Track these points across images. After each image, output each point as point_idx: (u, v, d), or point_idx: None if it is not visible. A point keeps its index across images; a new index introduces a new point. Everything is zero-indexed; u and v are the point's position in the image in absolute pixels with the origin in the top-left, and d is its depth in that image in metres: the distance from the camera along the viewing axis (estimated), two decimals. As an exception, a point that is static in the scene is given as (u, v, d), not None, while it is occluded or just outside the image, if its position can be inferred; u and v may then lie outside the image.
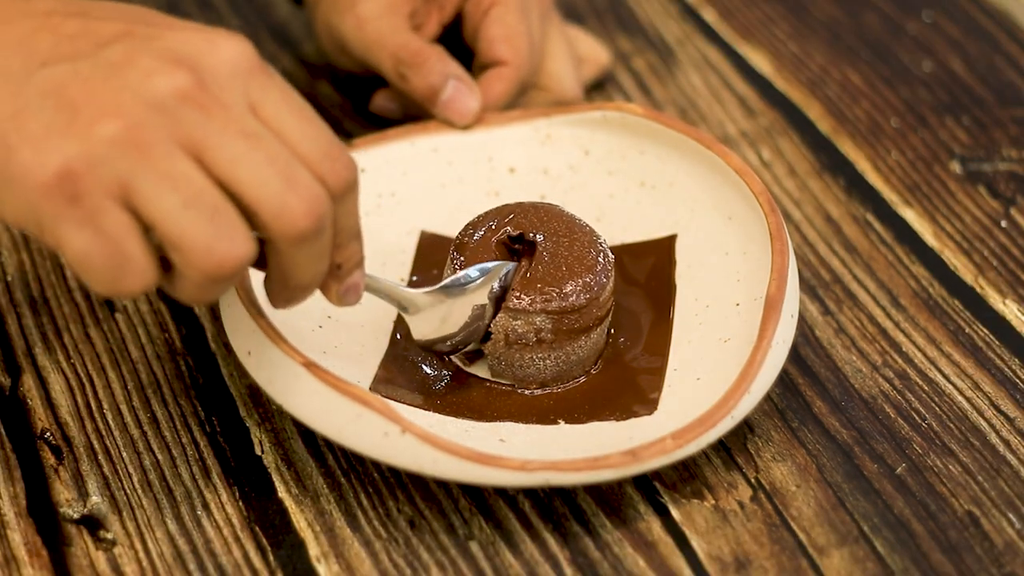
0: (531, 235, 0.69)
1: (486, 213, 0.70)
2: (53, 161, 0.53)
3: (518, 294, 0.67)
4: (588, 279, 0.67)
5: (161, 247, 0.55)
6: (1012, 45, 0.91)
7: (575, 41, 0.85)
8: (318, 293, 0.62)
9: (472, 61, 0.81)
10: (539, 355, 0.67)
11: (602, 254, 0.68)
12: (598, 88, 0.88)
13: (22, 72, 0.55)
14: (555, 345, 0.67)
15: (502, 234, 0.69)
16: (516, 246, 0.69)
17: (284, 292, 0.60)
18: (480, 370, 0.70)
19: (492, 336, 0.67)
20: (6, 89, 0.55)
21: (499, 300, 0.67)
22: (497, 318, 0.67)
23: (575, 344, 0.68)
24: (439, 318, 0.67)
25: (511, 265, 0.68)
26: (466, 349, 0.68)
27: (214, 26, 0.58)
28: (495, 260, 0.68)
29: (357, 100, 0.86)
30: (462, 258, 0.68)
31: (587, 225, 0.70)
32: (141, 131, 0.54)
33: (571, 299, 0.67)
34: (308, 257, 0.57)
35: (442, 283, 0.67)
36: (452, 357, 0.70)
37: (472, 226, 0.70)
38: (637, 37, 0.92)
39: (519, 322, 0.67)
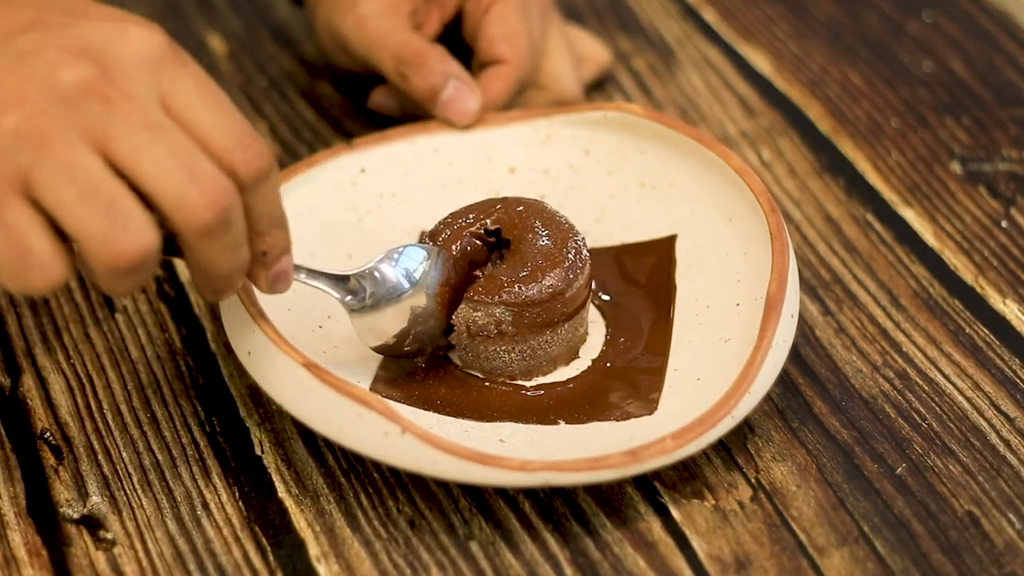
0: (506, 230, 0.69)
1: (467, 207, 0.71)
2: None
3: (478, 285, 0.67)
4: (553, 275, 0.67)
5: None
6: (1012, 45, 0.91)
7: (575, 41, 0.85)
8: (321, 298, 0.62)
9: (471, 59, 0.81)
10: (502, 347, 0.68)
11: (574, 251, 0.69)
12: (598, 88, 0.88)
13: None
14: (518, 338, 0.68)
15: (478, 227, 0.69)
16: (491, 239, 0.69)
17: (206, 283, 0.59)
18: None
19: (455, 328, 0.68)
20: None
21: (455, 291, 0.68)
22: (459, 309, 0.67)
23: (540, 338, 0.68)
24: (372, 327, 0.66)
25: (436, 254, 0.67)
26: (428, 349, 0.68)
27: (130, 14, 0.57)
28: (421, 247, 0.67)
29: (357, 100, 0.86)
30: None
31: (566, 223, 0.70)
32: (42, 122, 0.54)
33: (531, 292, 0.67)
34: (219, 249, 0.57)
35: (372, 263, 0.66)
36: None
37: (452, 217, 0.70)
38: (637, 37, 0.92)
39: (479, 313, 0.67)
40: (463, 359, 0.69)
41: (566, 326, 0.69)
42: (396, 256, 0.67)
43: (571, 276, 0.68)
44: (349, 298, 0.66)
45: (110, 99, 0.55)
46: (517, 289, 0.67)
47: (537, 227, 0.69)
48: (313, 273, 0.65)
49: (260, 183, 0.57)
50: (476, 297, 0.67)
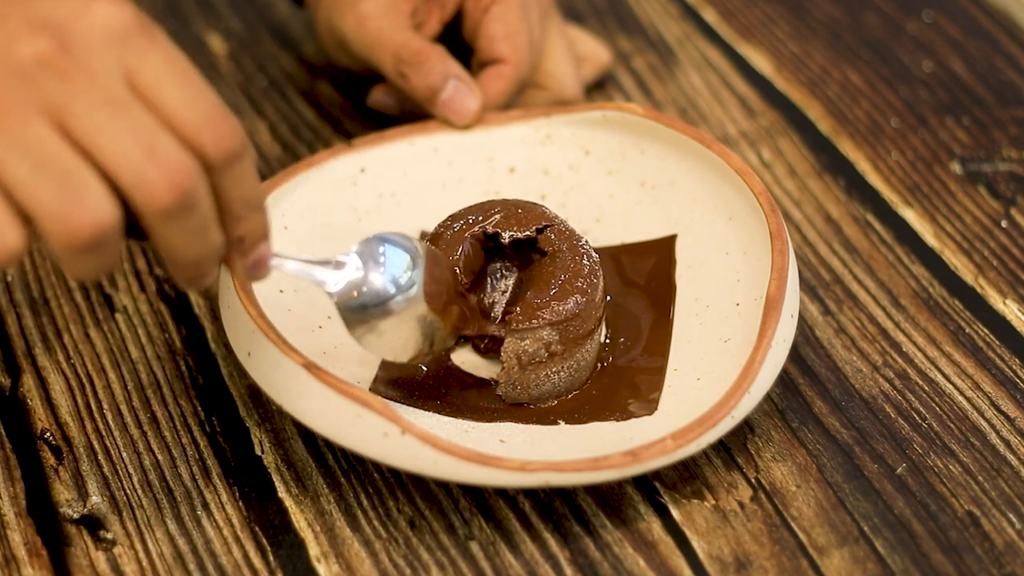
0: (505, 235, 0.69)
1: (467, 208, 0.70)
2: None
3: (517, 316, 0.66)
4: (580, 283, 0.67)
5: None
6: (1012, 45, 0.91)
7: (575, 41, 0.85)
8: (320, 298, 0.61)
9: (471, 59, 0.81)
10: (552, 369, 0.67)
11: (586, 255, 0.68)
12: (598, 88, 0.88)
13: None
14: (566, 355, 0.67)
15: (478, 230, 0.69)
16: (489, 244, 0.69)
17: (177, 270, 0.57)
18: (478, 368, 0.70)
19: (504, 364, 0.67)
20: None
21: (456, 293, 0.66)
22: (505, 343, 0.66)
23: (582, 350, 0.68)
24: (373, 330, 0.63)
25: (422, 254, 0.64)
26: (444, 348, 0.67)
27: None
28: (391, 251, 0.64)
29: (357, 100, 0.86)
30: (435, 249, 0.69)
31: (564, 225, 0.70)
32: None
33: (569, 306, 0.67)
34: (183, 233, 0.55)
35: (357, 247, 0.63)
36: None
37: (452, 219, 0.70)
38: (637, 37, 0.92)
39: (527, 342, 0.66)
40: (508, 394, 0.68)
41: (598, 331, 0.69)
42: (380, 258, 0.63)
43: (594, 280, 0.68)
44: (336, 289, 0.62)
45: (68, 74, 0.53)
46: (556, 307, 0.66)
47: (543, 239, 0.69)
48: (294, 260, 0.62)
49: (232, 163, 0.55)
50: (521, 326, 0.66)
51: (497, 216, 0.70)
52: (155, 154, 0.53)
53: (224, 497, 0.66)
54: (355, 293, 0.62)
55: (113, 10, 0.54)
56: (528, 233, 0.69)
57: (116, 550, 0.63)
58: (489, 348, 0.70)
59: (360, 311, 0.63)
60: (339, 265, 0.62)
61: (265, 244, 0.59)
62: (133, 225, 0.55)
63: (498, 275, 0.70)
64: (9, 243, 0.53)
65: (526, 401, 0.68)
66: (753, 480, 0.66)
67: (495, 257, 0.70)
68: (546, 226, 0.69)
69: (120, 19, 0.54)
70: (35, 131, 0.52)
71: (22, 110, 0.53)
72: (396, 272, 0.63)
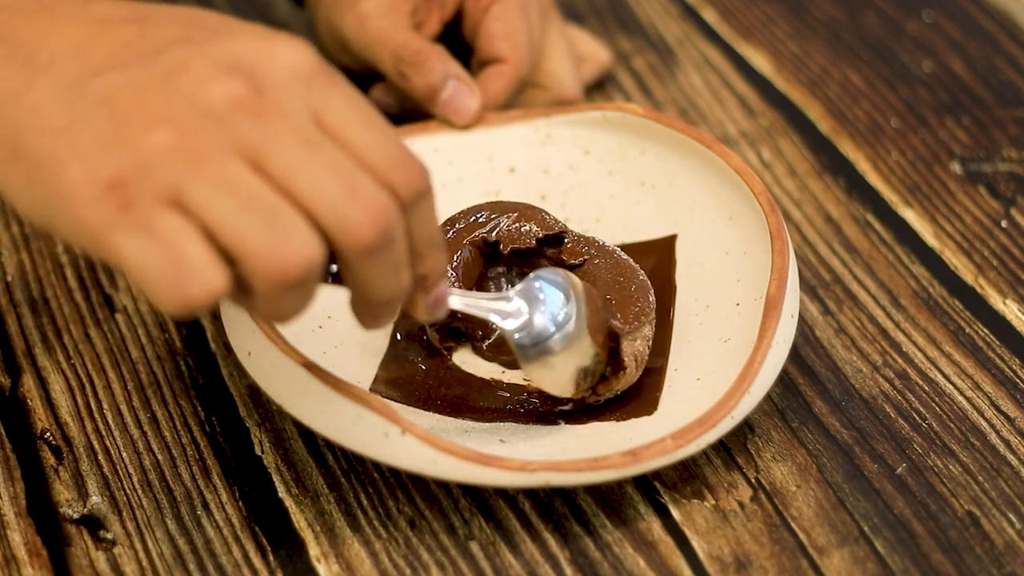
0: (502, 236, 0.69)
1: (465, 210, 0.70)
2: (103, 172, 0.51)
3: (621, 318, 0.66)
4: (640, 277, 0.68)
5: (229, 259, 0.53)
6: (1012, 45, 0.91)
7: (575, 41, 0.85)
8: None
9: (471, 59, 0.81)
10: (647, 363, 0.68)
11: (616, 251, 0.69)
12: (598, 88, 0.88)
13: (76, 81, 0.53)
14: (652, 344, 0.68)
15: (478, 236, 0.69)
16: (488, 249, 0.69)
17: (366, 309, 0.57)
18: (478, 368, 0.70)
19: (626, 368, 0.66)
20: (60, 99, 0.53)
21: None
22: (623, 349, 0.66)
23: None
24: (548, 366, 0.65)
25: (572, 293, 0.65)
26: (597, 380, 0.67)
27: (277, 31, 0.56)
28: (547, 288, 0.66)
29: (357, 100, 0.86)
30: None
31: (572, 232, 0.70)
32: (193, 138, 0.52)
33: (651, 298, 0.67)
34: (381, 270, 0.55)
35: (519, 287, 0.65)
36: (436, 345, 0.70)
37: (449, 222, 0.70)
38: (637, 37, 0.92)
39: (638, 342, 0.66)
40: (604, 397, 0.67)
41: None
42: (540, 294, 0.64)
43: (640, 269, 0.69)
44: (510, 326, 0.64)
45: (263, 115, 0.53)
46: (642, 303, 0.67)
47: (578, 252, 0.69)
48: (470, 297, 0.63)
49: (419, 203, 0.56)
50: (631, 327, 0.66)
51: (497, 221, 0.70)
52: (356, 193, 0.53)
53: (224, 497, 0.66)
54: (525, 330, 0.64)
55: (296, 51, 0.54)
56: (530, 243, 0.69)
57: (116, 550, 0.63)
58: (492, 351, 0.70)
59: (530, 348, 0.64)
60: (508, 302, 0.64)
61: (444, 282, 0.59)
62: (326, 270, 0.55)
63: (501, 282, 0.70)
64: (212, 285, 0.52)
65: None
66: (753, 480, 0.66)
67: (495, 263, 0.70)
68: (549, 235, 0.69)
69: (304, 60, 0.54)
70: (236, 172, 0.52)
71: (220, 152, 0.52)
72: (555, 309, 0.64)
